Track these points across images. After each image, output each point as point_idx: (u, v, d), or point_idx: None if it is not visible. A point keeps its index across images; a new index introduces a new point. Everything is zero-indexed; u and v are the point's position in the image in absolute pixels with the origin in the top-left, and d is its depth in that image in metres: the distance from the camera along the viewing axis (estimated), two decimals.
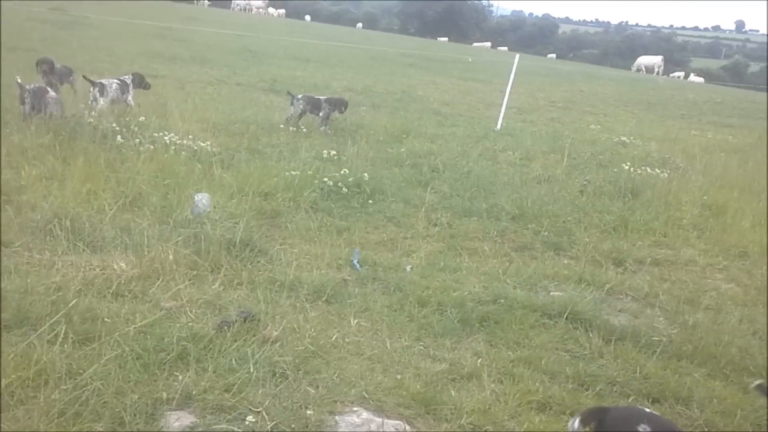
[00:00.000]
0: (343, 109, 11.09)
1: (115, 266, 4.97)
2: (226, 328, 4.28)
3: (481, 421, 3.75)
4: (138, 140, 8.24)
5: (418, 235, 6.71)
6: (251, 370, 3.84)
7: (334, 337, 4.46)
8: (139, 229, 5.63)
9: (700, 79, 59.12)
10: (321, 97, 11.17)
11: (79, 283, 4.61)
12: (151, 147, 7.99)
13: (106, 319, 4.14)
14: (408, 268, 5.87)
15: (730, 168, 11.30)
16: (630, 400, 4.17)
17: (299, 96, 11.18)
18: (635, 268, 6.59)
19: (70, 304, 4.14)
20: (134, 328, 4.04)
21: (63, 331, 3.84)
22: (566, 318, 5.09)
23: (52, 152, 7.10)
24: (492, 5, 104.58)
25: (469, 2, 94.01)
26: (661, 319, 5.44)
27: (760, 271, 6.72)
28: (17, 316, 4.02)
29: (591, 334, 4.93)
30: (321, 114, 10.96)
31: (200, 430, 3.35)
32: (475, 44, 73.55)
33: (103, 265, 4.96)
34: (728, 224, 7.90)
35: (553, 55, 72.54)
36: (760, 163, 12.06)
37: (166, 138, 8.54)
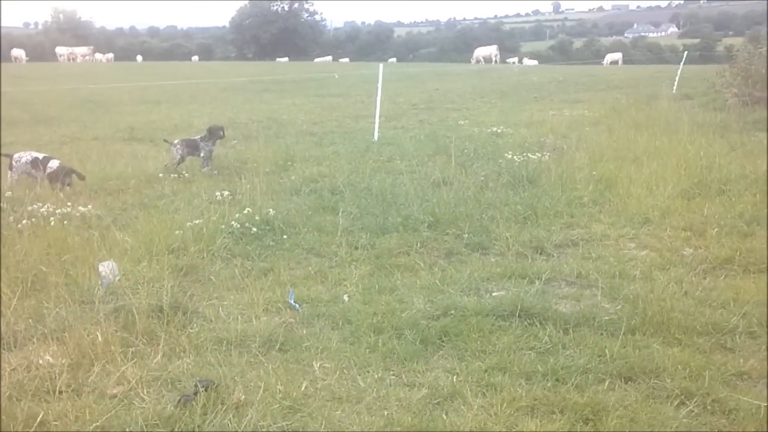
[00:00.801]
0: (222, 133, 10.72)
1: (40, 361, 4.47)
2: (188, 403, 3.94)
3: None
4: (11, 217, 7.54)
5: (343, 262, 6.54)
6: None
7: (304, 386, 4.22)
8: (52, 315, 5.11)
9: (534, 62, 62.74)
10: (197, 138, 10.73)
11: (8, 389, 4.09)
12: (28, 222, 7.33)
13: (54, 423, 3.69)
14: (345, 297, 5.70)
15: (601, 141, 11.95)
16: (606, 384, 4.23)
17: (176, 141, 10.69)
18: (556, 252, 6.77)
19: (14, 415, 3.67)
20: (94, 427, 3.62)
21: None
22: (519, 316, 5.12)
23: None
24: (325, 20, 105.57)
25: (302, 20, 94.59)
26: (601, 297, 5.59)
27: (666, 234, 7.10)
28: None
29: (547, 327, 4.98)
30: (202, 154, 10.53)
31: None
32: (317, 60, 74.12)
33: (26, 363, 4.45)
34: (623, 195, 8.31)
35: (394, 59, 74.34)
36: (624, 131, 12.84)
37: (42, 209, 7.87)
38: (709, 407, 3.97)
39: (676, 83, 23.00)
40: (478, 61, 60.44)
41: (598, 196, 8.45)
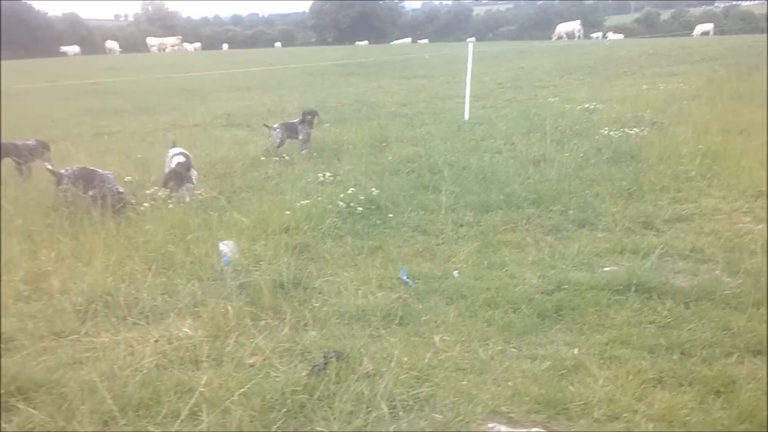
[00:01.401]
0: (317, 118, 10.97)
1: (180, 333, 4.77)
2: (320, 372, 4.14)
3: (613, 410, 3.70)
4: (134, 199, 7.97)
5: (450, 239, 6.64)
6: (371, 409, 3.71)
7: (428, 357, 4.35)
8: (184, 291, 5.43)
9: (620, 36, 60.77)
10: (295, 121, 11.01)
11: (155, 358, 4.40)
12: (149, 205, 7.74)
13: (201, 389, 3.94)
14: (456, 273, 5.80)
15: (702, 114, 11.56)
16: (734, 358, 4.18)
17: (276, 125, 11.00)
18: (666, 227, 6.66)
19: (163, 382, 3.96)
20: (238, 393, 3.85)
21: (177, 411, 3.65)
22: (635, 290, 5.09)
23: (60, 231, 6.78)
24: (403, 2, 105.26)
25: (381, 2, 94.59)
26: (719, 272, 5.49)
27: None
28: (119, 404, 3.80)
29: (666, 301, 4.94)
30: (300, 137, 10.81)
31: None
32: (395, 42, 74.07)
33: (167, 335, 4.75)
34: (732, 168, 8.05)
35: (473, 39, 73.49)
36: (725, 104, 12.37)
37: (160, 193, 8.29)
38: None
39: None
40: (560, 38, 59.14)
41: (705, 170, 8.22)
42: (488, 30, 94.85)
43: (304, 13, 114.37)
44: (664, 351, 4.29)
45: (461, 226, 6.98)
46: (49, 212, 7.41)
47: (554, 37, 59.88)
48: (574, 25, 60.09)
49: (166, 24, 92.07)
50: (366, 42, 75.09)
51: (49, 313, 5.19)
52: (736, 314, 4.68)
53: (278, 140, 10.81)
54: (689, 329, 4.56)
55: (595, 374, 4.06)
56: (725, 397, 3.75)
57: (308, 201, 7.48)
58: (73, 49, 65.43)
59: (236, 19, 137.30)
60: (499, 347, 4.48)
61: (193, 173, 8.25)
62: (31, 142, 9.63)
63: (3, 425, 3.64)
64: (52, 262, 6.08)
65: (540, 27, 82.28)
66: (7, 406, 3.94)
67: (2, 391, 4.03)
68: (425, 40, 74.37)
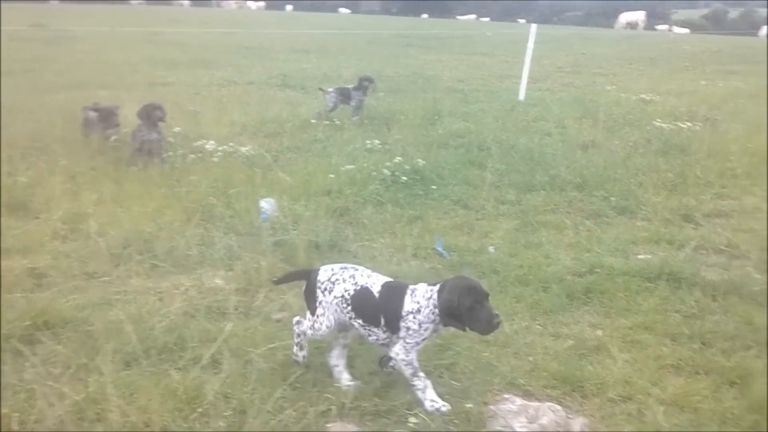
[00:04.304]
0: (372, 84, 11.10)
1: (212, 284, 5.01)
2: None
3: (627, 391, 3.81)
4: (180, 151, 8.24)
5: (490, 215, 6.75)
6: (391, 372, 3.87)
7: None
8: (220, 243, 5.65)
9: (685, 30, 58.99)
10: (349, 87, 11.16)
11: (183, 305, 4.62)
12: (194, 156, 8.02)
13: (225, 341, 4.10)
14: (491, 249, 5.92)
15: (756, 114, 11.34)
16: (753, 351, 4.23)
17: (330, 89, 11.17)
18: (705, 222, 6.66)
19: (189, 329, 4.19)
20: (266, 348, 4.02)
21: (199, 357, 3.85)
22: (666, 279, 5.15)
23: (104, 175, 7.09)
24: None
25: None
26: (751, 268, 5.49)
27: None
28: (144, 346, 3.99)
29: (694, 292, 4.99)
30: (353, 103, 10.96)
31: None
32: (460, 17, 73.25)
33: (198, 285, 4.99)
34: None
35: (523, 20, 72.14)
36: None
37: (207, 146, 8.56)
38: None
39: None
40: (625, 27, 57.71)
41: (752, 169, 8.13)
42: (554, 14, 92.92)
43: None
44: (686, 339, 4.38)
45: (503, 203, 7.08)
46: (95, 155, 7.72)
47: (616, 26, 58.50)
48: (638, 16, 58.70)
49: None
50: (426, 15, 74.45)
51: (83, 253, 5.45)
52: (760, 310, 4.72)
53: (331, 104, 10.98)
54: (713, 321, 4.63)
55: (615, 356, 4.17)
56: (739, 388, 3.83)
57: (353, 166, 7.65)
58: None
59: None
60: (525, 323, 4.62)
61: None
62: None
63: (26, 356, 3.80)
64: (93, 204, 6.37)
65: (607, 15, 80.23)
66: (32, 339, 4.12)
67: (29, 324, 4.23)
68: (487, 19, 73.34)
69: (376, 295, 3.60)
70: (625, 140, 9.52)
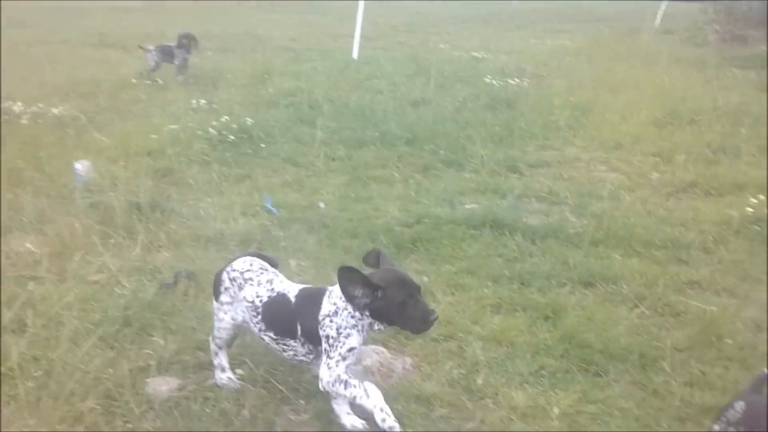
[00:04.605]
0: (195, 43, 10.56)
1: (21, 249, 4.57)
2: (168, 289, 4.10)
3: (449, 330, 3.88)
4: None
5: (320, 172, 6.66)
6: None
7: None
8: (30, 207, 5.17)
9: None
10: (172, 45, 10.57)
11: None
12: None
13: (38, 303, 3.80)
14: (322, 204, 5.84)
15: (581, 70, 11.99)
16: (567, 288, 4.46)
17: (151, 48, 10.51)
18: (529, 172, 6.94)
19: None
20: (76, 306, 3.75)
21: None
22: (490, 226, 5.31)
23: None
24: None
25: None
26: (569, 213, 5.80)
27: (636, 159, 7.28)
28: None
29: (516, 238, 5.18)
30: (177, 62, 10.40)
31: (192, 388, 3.27)
32: None
33: (5, 250, 4.54)
34: (598, 121, 8.45)
35: None
36: (604, 62, 12.86)
37: (14, 108, 7.84)
38: (659, 309, 4.24)
39: (659, 18, 22.88)
40: None
41: (573, 122, 8.57)
42: None
43: None
44: (506, 281, 4.52)
45: (333, 160, 7.01)
46: None
47: None
48: None
49: None
50: None
51: None
52: (575, 251, 4.98)
53: (153, 63, 10.36)
54: (532, 262, 4.82)
55: (439, 300, 4.24)
56: (552, 322, 4.01)
57: (177, 126, 7.27)
58: None
59: None
60: None
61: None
62: None
63: None
64: None
65: None
66: None
67: None
68: None
69: (292, 301, 3.05)
70: (456, 96, 9.73)
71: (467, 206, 5.88)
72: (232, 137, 7.21)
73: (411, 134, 7.62)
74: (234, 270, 3.19)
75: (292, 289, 3.09)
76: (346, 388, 2.84)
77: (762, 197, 5.83)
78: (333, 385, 2.86)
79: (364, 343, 3.02)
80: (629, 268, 4.74)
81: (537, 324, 3.98)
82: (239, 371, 3.44)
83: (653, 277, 4.61)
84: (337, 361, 2.86)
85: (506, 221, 5.39)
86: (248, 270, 3.17)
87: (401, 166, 6.89)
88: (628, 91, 9.98)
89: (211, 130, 7.24)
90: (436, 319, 2.88)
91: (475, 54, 14.35)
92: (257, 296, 3.09)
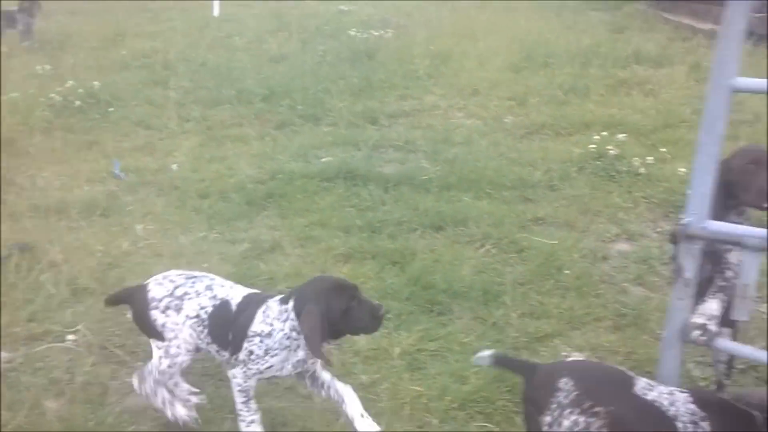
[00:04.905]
0: (38, 6, 9.91)
1: None
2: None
3: (295, 281, 3.85)
4: None
5: (173, 134, 6.45)
6: (51, 293, 3.56)
7: (125, 245, 4.25)
8: None
9: None
10: (14, 9, 9.84)
11: None
12: None
13: None
14: (174, 167, 5.67)
15: (443, 18, 12.12)
16: (418, 233, 4.55)
17: None
18: (388, 122, 6.98)
19: None
20: None
21: None
22: (343, 178, 5.32)
23: None
24: None
25: None
26: (424, 161, 5.89)
27: (492, 104, 7.46)
28: None
29: (370, 188, 5.22)
30: (19, 27, 9.70)
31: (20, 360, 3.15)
32: None
33: None
34: (457, 68, 8.58)
35: None
36: (466, 9, 13.03)
37: None
38: (504, 247, 4.39)
39: None
40: None
41: (433, 70, 8.66)
42: None
43: None
44: (358, 230, 4.56)
45: (187, 121, 6.81)
46: None
47: None
48: None
49: None
50: None
51: None
52: (427, 196, 5.07)
53: None
54: (384, 210, 4.87)
55: (289, 253, 4.23)
56: (401, 266, 4.09)
57: (17, 94, 6.82)
58: None
59: None
60: (202, 234, 4.50)
61: None
62: None
63: None
64: None
65: None
66: None
67: None
68: None
69: (234, 309, 2.68)
70: (318, 51, 9.61)
71: (323, 159, 5.86)
72: (78, 102, 6.85)
73: (268, 91, 7.49)
74: (160, 299, 2.71)
75: (235, 296, 2.73)
76: (245, 403, 2.65)
77: (605, 134, 6.14)
78: (240, 390, 2.64)
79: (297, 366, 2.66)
80: (478, 209, 4.87)
81: (386, 270, 4.05)
82: (71, 337, 3.32)
83: (501, 216, 4.76)
84: (255, 374, 2.63)
85: (360, 172, 5.42)
86: (176, 287, 2.74)
87: (258, 123, 6.78)
88: (487, 38, 10.18)
89: (54, 96, 6.83)
90: (385, 312, 2.65)
91: (341, 7, 14.21)
92: (201, 308, 2.70)
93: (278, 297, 2.64)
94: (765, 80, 2.11)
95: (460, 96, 7.78)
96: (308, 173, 5.40)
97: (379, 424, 2.59)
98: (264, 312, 2.60)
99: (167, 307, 2.68)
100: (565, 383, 2.17)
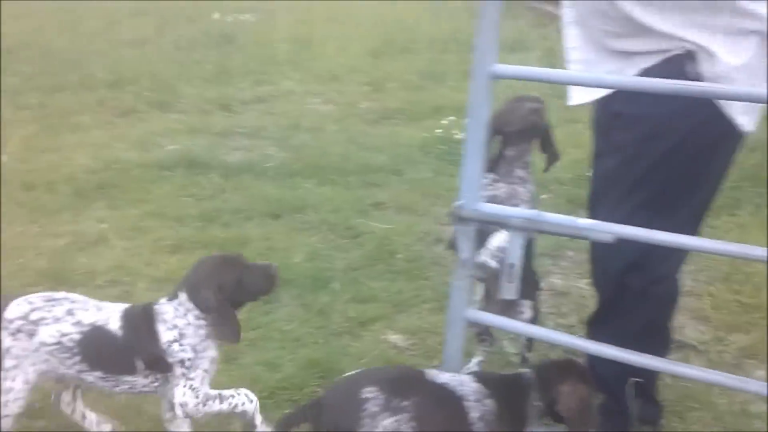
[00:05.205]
0: None
1: None
2: None
3: (117, 275, 3.74)
4: None
5: (7, 123, 6.06)
6: None
7: None
8: None
9: None
10: None
11: None
12: None
13: None
14: (4, 158, 5.34)
15: (311, 4, 12.02)
16: (254, 221, 4.49)
17: None
18: (241, 109, 6.85)
19: None
20: None
21: None
22: (185, 167, 5.18)
23: None
24: None
25: None
26: (271, 147, 5.81)
27: (349, 89, 7.47)
28: None
29: (210, 176, 5.10)
30: None
31: None
32: None
33: None
34: (317, 53, 8.54)
35: None
36: None
37: None
38: (340, 233, 4.39)
39: None
40: None
41: (293, 56, 8.59)
42: None
43: None
44: (192, 220, 4.44)
45: (24, 109, 6.42)
46: None
47: None
48: None
49: None
50: None
51: None
52: (269, 184, 5.01)
53: None
54: (223, 199, 4.78)
55: (114, 245, 4.06)
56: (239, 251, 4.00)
57: None
58: None
59: None
60: (22, 228, 4.25)
61: None
62: None
63: None
64: None
65: None
66: None
67: None
68: None
69: (119, 332, 2.40)
70: (178, 35, 9.31)
71: (169, 148, 5.67)
72: None
73: (116, 77, 7.18)
74: (12, 320, 2.38)
75: (110, 317, 2.42)
76: (222, 401, 2.43)
77: (452, 118, 6.26)
78: (204, 406, 2.42)
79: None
80: (319, 195, 4.84)
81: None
82: None
83: (341, 202, 4.75)
84: (201, 378, 2.43)
85: (202, 160, 5.29)
86: (33, 310, 2.39)
87: (101, 111, 6.49)
88: (350, 23, 10.21)
89: None
90: (275, 267, 2.51)
91: None
92: (62, 335, 2.37)
93: (163, 300, 2.44)
94: (524, 67, 2.19)
95: (317, 82, 7.75)
96: (146, 162, 5.22)
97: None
98: (163, 322, 2.39)
99: (18, 330, 2.36)
100: (370, 392, 2.16)
